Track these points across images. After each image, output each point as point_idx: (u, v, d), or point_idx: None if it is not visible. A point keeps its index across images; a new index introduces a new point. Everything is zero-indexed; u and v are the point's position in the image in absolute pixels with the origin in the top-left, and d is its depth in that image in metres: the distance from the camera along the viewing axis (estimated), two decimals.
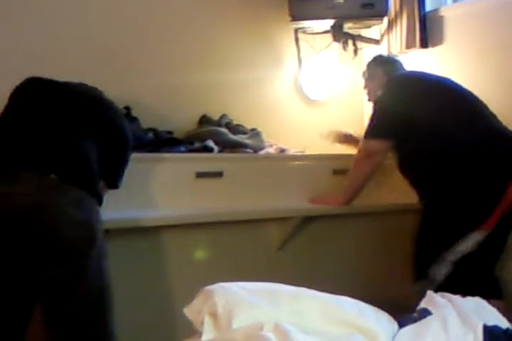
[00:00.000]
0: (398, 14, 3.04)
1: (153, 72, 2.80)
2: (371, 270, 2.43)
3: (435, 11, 2.99)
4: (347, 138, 2.94)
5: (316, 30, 3.17)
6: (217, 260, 2.43)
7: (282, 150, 2.87)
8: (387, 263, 2.69)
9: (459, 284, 2.10)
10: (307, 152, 2.96)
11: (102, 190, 1.87)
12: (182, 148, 2.54)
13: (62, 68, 2.26)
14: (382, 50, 3.17)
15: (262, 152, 2.78)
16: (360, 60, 3.21)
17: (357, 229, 2.80)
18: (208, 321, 1.29)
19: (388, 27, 3.13)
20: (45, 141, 1.77)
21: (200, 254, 2.40)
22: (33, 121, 1.82)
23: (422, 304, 1.47)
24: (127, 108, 2.57)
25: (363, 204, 2.63)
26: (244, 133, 2.85)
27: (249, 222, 2.50)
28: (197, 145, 2.59)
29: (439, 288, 2.12)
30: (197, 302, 1.36)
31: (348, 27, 3.11)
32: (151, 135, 2.58)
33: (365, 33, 3.29)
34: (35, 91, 1.91)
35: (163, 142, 2.54)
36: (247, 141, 2.76)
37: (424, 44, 2.97)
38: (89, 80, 2.04)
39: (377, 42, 3.24)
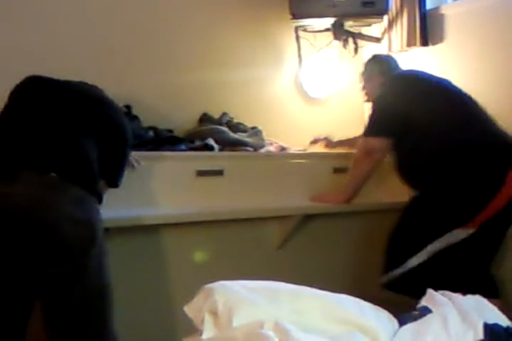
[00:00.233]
0: (399, 12, 3.05)
1: (153, 70, 2.80)
2: (371, 268, 2.42)
3: (436, 9, 2.99)
4: (336, 143, 2.97)
5: (316, 29, 3.16)
6: (218, 258, 2.44)
7: (283, 149, 2.87)
8: None
9: (432, 275, 2.18)
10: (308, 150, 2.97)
11: (102, 188, 1.87)
12: (182, 147, 2.53)
13: (63, 67, 2.26)
14: (382, 48, 3.17)
15: (262, 150, 2.78)
16: (360, 58, 3.20)
17: (357, 228, 2.80)
18: (208, 319, 1.29)
19: (389, 25, 3.13)
20: (46, 140, 1.76)
21: (199, 256, 2.40)
22: (33, 119, 1.81)
23: (423, 302, 1.47)
24: (128, 106, 2.57)
25: (363, 202, 2.64)
26: (244, 131, 2.85)
27: (250, 221, 2.51)
28: (197, 143, 2.59)
29: (408, 276, 2.17)
30: (197, 300, 1.36)
31: (348, 25, 3.11)
32: (151, 133, 2.58)
33: (365, 31, 3.29)
34: (35, 90, 1.91)
35: (163, 140, 2.54)
36: (248, 140, 2.76)
37: (425, 42, 2.97)
38: (90, 79, 2.05)
39: (377, 40, 3.24)
